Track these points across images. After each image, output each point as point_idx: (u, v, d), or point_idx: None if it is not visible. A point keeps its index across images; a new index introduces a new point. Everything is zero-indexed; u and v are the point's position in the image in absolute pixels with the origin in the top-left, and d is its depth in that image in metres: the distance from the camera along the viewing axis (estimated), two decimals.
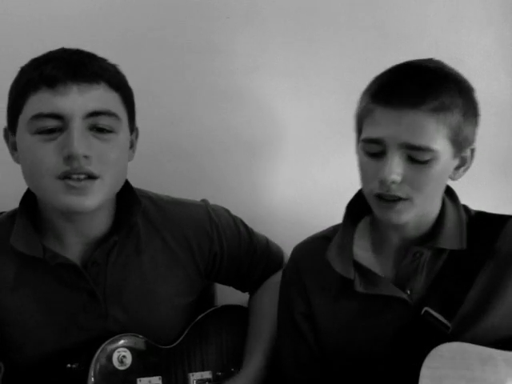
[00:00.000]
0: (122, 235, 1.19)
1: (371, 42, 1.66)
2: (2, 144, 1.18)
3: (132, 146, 1.20)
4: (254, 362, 1.28)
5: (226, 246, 1.30)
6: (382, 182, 1.08)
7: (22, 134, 1.10)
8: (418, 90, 1.07)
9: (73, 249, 1.17)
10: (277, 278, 1.34)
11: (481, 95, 1.63)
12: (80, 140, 1.06)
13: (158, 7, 1.59)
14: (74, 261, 1.16)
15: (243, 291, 1.42)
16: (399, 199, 1.09)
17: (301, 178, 1.67)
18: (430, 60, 1.14)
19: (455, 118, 1.09)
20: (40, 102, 1.07)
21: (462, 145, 1.11)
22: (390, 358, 1.12)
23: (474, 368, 1.07)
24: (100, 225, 1.18)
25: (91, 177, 1.08)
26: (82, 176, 1.07)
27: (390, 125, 1.07)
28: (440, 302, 1.13)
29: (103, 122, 1.09)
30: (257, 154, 1.65)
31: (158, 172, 1.57)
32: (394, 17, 1.68)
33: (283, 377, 1.27)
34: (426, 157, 1.07)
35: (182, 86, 1.60)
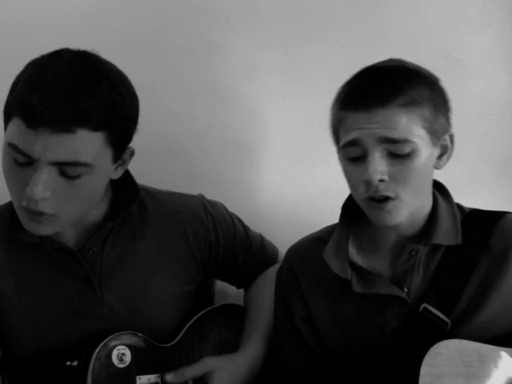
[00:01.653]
0: (118, 224, 1.20)
1: (371, 42, 1.66)
2: None
3: (123, 163, 1.17)
4: (252, 343, 1.29)
5: (222, 238, 1.31)
6: (368, 183, 1.08)
7: (3, 146, 1.09)
8: (383, 90, 1.08)
9: (68, 235, 1.19)
10: (271, 272, 1.36)
11: (481, 95, 1.63)
12: (39, 184, 1.04)
13: (157, 7, 1.59)
14: (69, 246, 1.18)
15: (238, 287, 1.43)
16: (388, 198, 1.09)
17: (301, 178, 1.67)
18: (390, 60, 1.15)
19: (426, 109, 1.10)
20: (18, 131, 1.05)
21: (438, 133, 1.12)
22: (390, 356, 1.13)
23: (473, 365, 1.07)
24: (94, 215, 1.19)
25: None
26: (38, 212, 1.07)
27: (363, 125, 1.08)
28: (438, 299, 1.13)
29: (71, 171, 1.06)
30: (255, 154, 1.65)
31: (157, 170, 1.57)
32: (393, 17, 1.68)
33: (286, 381, 1.27)
34: (407, 149, 1.08)
35: (181, 86, 1.60)
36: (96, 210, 1.19)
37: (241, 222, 1.37)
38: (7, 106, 1.09)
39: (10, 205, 1.20)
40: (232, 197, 1.52)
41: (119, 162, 1.16)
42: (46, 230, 1.11)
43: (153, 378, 1.19)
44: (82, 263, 1.17)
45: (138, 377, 1.17)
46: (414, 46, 1.66)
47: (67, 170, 1.06)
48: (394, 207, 1.09)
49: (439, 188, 1.21)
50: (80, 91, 1.03)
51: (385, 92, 1.08)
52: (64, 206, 1.08)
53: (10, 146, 1.07)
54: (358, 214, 1.22)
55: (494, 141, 1.71)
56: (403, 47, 1.65)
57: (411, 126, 1.08)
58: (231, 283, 1.42)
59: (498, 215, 1.19)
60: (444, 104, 1.14)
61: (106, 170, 1.13)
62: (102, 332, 1.16)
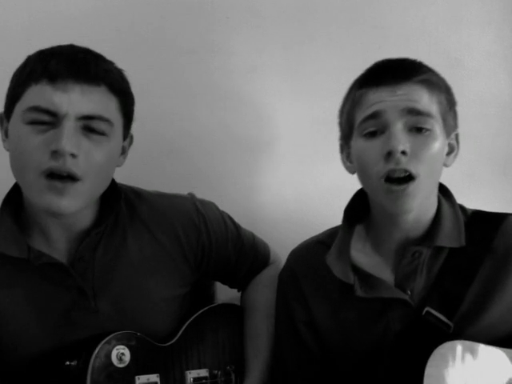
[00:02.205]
0: (108, 229, 1.20)
1: (371, 42, 1.67)
2: None
3: (124, 152, 1.21)
4: (257, 373, 1.28)
5: (214, 239, 1.30)
6: (391, 155, 1.08)
7: (16, 122, 1.11)
8: (404, 67, 1.13)
9: (59, 245, 1.18)
10: (267, 273, 1.36)
11: (481, 95, 1.63)
12: (69, 138, 1.07)
13: (157, 7, 1.59)
14: (59, 259, 1.16)
15: (231, 287, 1.42)
16: (409, 178, 1.08)
17: (301, 178, 1.67)
18: None
19: (442, 95, 1.13)
20: (39, 94, 1.08)
21: (449, 126, 1.14)
22: (393, 359, 1.13)
23: (476, 365, 1.07)
24: (84, 220, 1.18)
25: (73, 178, 1.08)
26: (65, 173, 1.07)
27: (386, 98, 1.10)
28: (440, 302, 1.13)
29: (96, 125, 1.10)
30: (255, 154, 1.65)
31: (156, 170, 1.57)
32: (393, 17, 1.69)
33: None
34: (427, 124, 1.10)
35: (181, 86, 1.60)
36: (85, 218, 1.18)
37: (232, 220, 1.36)
38: (16, 86, 1.11)
39: None
40: (232, 197, 1.52)
41: (125, 143, 1.19)
42: (66, 204, 1.08)
43: (152, 377, 1.19)
44: (73, 275, 1.16)
45: (137, 377, 1.17)
46: (414, 46, 1.66)
47: (91, 124, 1.09)
48: (412, 190, 1.08)
49: (443, 190, 1.21)
50: (95, 57, 1.13)
51: (407, 69, 1.12)
52: (89, 169, 1.09)
53: (31, 110, 1.08)
54: (362, 216, 1.22)
55: (493, 141, 1.72)
56: (403, 47, 1.65)
57: (431, 105, 1.11)
58: (224, 283, 1.41)
59: (501, 217, 1.19)
60: (454, 103, 1.17)
61: (119, 142, 1.16)
62: (99, 335, 1.15)
